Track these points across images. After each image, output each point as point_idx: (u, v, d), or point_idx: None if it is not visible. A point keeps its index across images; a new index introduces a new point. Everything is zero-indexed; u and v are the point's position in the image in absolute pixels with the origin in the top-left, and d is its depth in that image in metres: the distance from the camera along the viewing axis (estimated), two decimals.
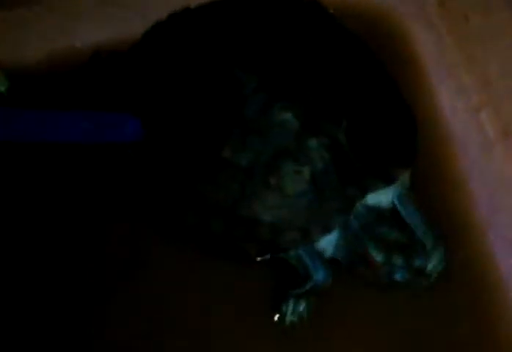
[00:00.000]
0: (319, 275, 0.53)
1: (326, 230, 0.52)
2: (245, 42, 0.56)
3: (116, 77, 0.59)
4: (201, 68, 0.56)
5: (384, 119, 0.56)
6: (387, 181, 0.53)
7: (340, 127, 0.53)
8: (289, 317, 0.54)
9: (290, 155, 0.52)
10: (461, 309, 0.55)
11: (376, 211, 0.53)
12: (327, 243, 0.53)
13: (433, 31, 0.64)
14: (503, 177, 0.58)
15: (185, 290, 0.56)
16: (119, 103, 0.58)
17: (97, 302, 0.56)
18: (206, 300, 0.56)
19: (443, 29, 0.64)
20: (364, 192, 0.52)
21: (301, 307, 0.54)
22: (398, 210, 0.54)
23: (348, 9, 0.64)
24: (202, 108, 0.54)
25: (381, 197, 0.54)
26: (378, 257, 0.52)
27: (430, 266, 0.52)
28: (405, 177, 0.55)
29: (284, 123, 0.52)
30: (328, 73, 0.56)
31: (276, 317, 0.55)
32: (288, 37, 0.57)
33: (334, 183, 0.52)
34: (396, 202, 0.54)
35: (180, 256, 0.57)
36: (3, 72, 0.61)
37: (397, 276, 0.51)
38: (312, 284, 0.53)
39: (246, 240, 0.53)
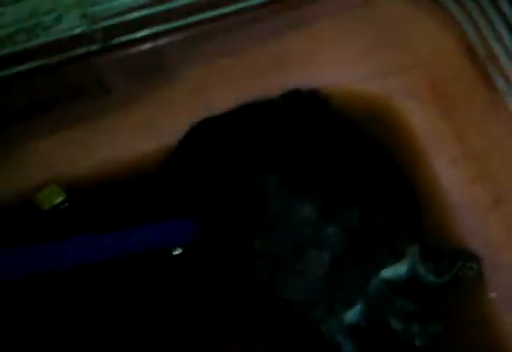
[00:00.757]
0: (348, 348, 0.61)
1: (348, 306, 0.61)
2: (264, 147, 0.67)
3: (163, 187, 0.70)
4: (232, 174, 0.66)
5: (390, 201, 0.65)
6: (398, 257, 0.62)
7: (353, 214, 0.62)
8: None
9: (311, 243, 0.61)
10: None
11: (392, 283, 0.62)
12: (351, 316, 0.62)
13: (427, 115, 0.73)
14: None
15: None
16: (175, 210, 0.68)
17: None
18: None
19: (436, 113, 0.73)
20: (378, 269, 0.61)
21: None
22: (414, 279, 0.63)
23: (351, 101, 0.74)
24: (236, 208, 0.64)
25: (396, 270, 0.63)
26: (397, 326, 0.60)
27: None
28: (414, 249, 0.64)
29: (304, 215, 0.62)
30: (339, 167, 0.65)
31: None
32: (302, 139, 0.67)
33: (352, 264, 0.61)
34: (411, 272, 0.63)
35: None
36: (58, 186, 0.70)
37: (417, 342, 0.59)
38: None
39: (279, 319, 0.62)
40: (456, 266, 0.64)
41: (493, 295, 0.65)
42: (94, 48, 0.72)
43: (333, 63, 0.76)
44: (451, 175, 0.71)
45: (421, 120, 0.74)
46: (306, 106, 0.72)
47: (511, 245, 0.66)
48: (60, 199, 0.70)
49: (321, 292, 0.61)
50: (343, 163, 0.66)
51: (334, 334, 0.62)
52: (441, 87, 0.74)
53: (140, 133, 0.73)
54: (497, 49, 0.67)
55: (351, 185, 0.64)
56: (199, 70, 0.75)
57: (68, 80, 0.73)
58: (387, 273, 0.62)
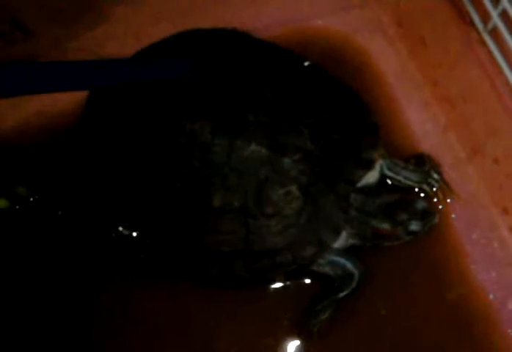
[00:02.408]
0: (359, 268, 0.56)
1: (337, 231, 0.55)
2: (179, 97, 0.58)
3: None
4: (158, 135, 0.58)
5: (334, 113, 0.59)
6: (368, 166, 0.57)
7: (303, 136, 0.56)
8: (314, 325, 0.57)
9: (272, 181, 0.54)
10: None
11: (366, 189, 0.57)
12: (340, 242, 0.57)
13: (396, 55, 0.67)
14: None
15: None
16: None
17: None
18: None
19: (404, 53, 0.67)
20: (353, 184, 0.56)
21: (324, 316, 0.57)
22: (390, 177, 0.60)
23: (313, 38, 0.67)
24: (176, 173, 0.56)
25: (368, 178, 0.58)
26: (385, 225, 0.55)
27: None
28: (380, 151, 0.58)
29: (252, 154, 0.54)
30: (266, 94, 0.58)
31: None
32: (217, 76, 0.60)
33: (323, 188, 0.55)
34: (387, 173, 0.59)
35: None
36: None
37: (413, 228, 0.55)
38: (357, 279, 0.56)
39: (273, 269, 0.56)
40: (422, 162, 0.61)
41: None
42: None
43: None
44: (424, 122, 0.64)
45: (387, 59, 0.67)
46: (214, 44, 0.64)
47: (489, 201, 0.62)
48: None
49: (303, 227, 0.55)
50: (268, 88, 0.59)
51: (338, 262, 0.57)
52: (408, 23, 0.66)
53: None
54: None
55: (287, 109, 0.57)
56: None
57: None
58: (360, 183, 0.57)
